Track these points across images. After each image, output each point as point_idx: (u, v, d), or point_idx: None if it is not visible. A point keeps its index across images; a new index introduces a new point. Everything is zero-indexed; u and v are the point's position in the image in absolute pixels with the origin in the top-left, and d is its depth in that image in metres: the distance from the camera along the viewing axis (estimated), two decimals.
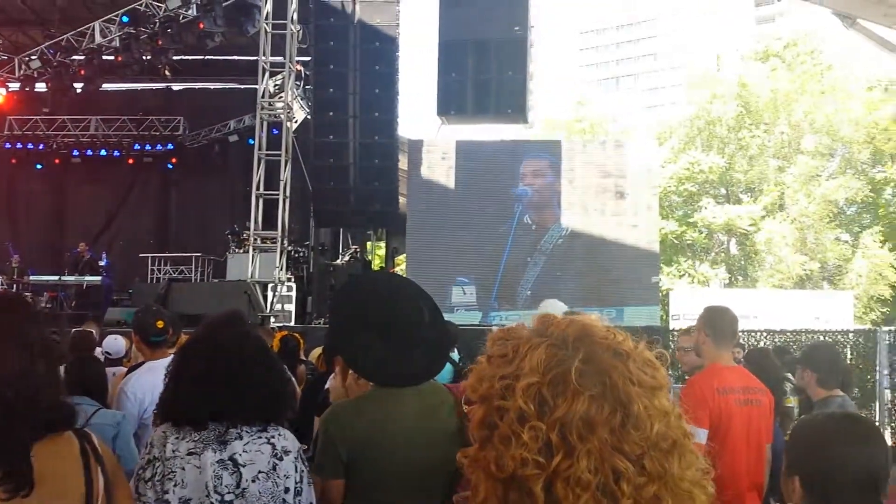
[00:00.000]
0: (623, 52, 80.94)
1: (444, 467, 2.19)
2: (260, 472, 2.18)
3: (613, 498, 0.93)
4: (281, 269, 12.51)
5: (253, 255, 12.38)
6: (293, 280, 13.34)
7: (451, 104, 13.53)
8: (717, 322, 3.56)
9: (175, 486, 2.11)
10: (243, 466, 2.16)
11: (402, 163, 15.04)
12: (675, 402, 1.01)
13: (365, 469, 2.25)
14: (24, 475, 1.45)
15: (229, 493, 2.13)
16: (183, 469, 2.12)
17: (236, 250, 14.28)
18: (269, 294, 12.27)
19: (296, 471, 2.23)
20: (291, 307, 12.77)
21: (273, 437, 2.24)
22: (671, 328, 11.52)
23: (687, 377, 4.34)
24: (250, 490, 2.15)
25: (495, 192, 14.40)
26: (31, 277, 14.91)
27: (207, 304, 12.32)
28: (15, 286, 14.48)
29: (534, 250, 14.12)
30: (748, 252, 31.18)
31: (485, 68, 13.28)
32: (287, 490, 2.20)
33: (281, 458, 2.22)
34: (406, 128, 14.64)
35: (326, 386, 4.40)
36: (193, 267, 16.00)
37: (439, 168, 14.64)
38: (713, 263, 31.81)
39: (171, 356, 2.50)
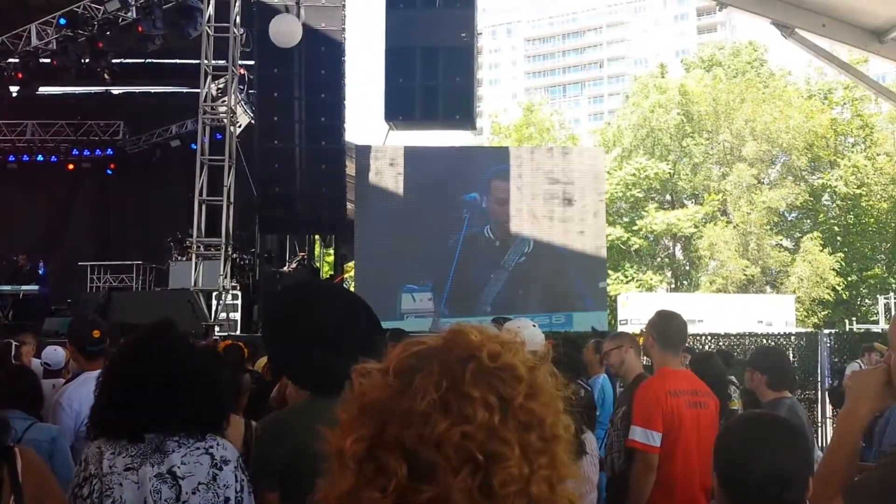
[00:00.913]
0: (569, 60, 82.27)
1: None
2: (200, 483, 2.16)
3: None
4: (225, 277, 12.28)
5: (196, 263, 12.11)
6: (238, 288, 13.10)
7: (399, 110, 13.48)
8: (664, 327, 3.62)
9: (113, 502, 2.08)
10: (182, 479, 2.14)
11: (350, 168, 14.92)
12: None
13: (298, 481, 2.18)
14: None
15: None
16: (121, 485, 2.09)
17: (179, 258, 13.95)
18: (214, 303, 12.03)
19: (236, 480, 2.23)
20: (237, 316, 12.56)
21: (211, 447, 2.22)
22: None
23: (620, 380, 4.47)
24: (191, 502, 2.13)
25: (444, 199, 14.41)
26: None
27: (149, 314, 11.99)
28: None
29: (496, 263, 14.15)
30: (692, 257, 31.91)
31: (432, 74, 13.27)
32: (227, 500, 2.18)
33: (220, 468, 2.21)
34: (354, 133, 14.55)
35: (272, 395, 4.33)
36: (135, 275, 15.65)
37: (387, 174, 14.57)
38: (658, 269, 32.46)
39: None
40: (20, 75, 15.82)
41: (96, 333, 3.78)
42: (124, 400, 2.18)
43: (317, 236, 17.92)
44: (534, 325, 3.39)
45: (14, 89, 16.23)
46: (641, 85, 35.45)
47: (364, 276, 14.16)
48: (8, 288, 14.55)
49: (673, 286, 32.43)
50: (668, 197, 33.23)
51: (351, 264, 16.92)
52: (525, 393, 0.93)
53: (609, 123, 38.74)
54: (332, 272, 15.38)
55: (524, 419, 0.92)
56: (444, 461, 0.88)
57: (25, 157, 18.42)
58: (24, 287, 14.52)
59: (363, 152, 14.89)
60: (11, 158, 18.44)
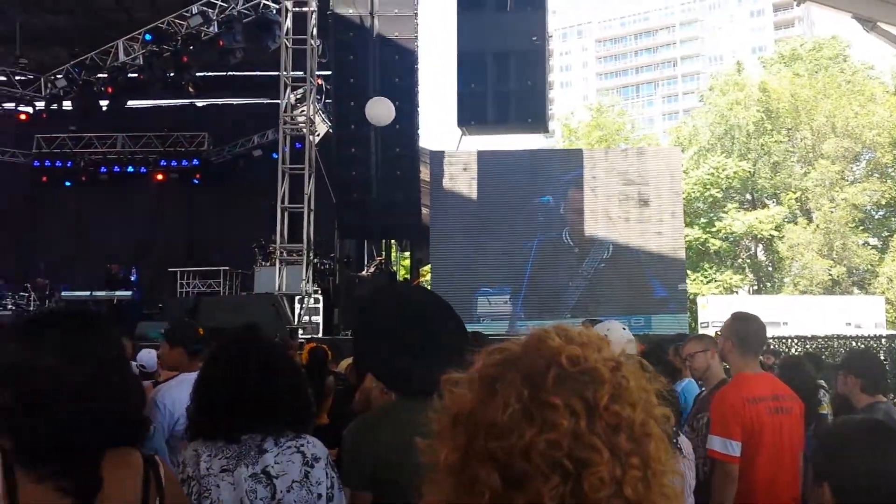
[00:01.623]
0: (641, 60, 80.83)
1: None
2: (293, 481, 2.20)
3: None
4: (307, 282, 12.62)
5: (280, 268, 12.49)
6: (320, 292, 13.42)
7: (471, 115, 13.57)
8: (742, 330, 3.47)
9: (211, 503, 2.14)
10: (276, 478, 2.18)
11: (424, 174, 15.12)
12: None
13: (389, 482, 2.24)
14: (92, 485, 1.46)
15: None
16: (218, 486, 2.15)
17: (263, 263, 14.41)
18: (297, 306, 12.36)
19: (327, 477, 2.26)
20: (319, 319, 12.86)
21: (302, 445, 2.27)
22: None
23: (701, 384, 4.27)
24: (285, 500, 2.18)
25: (518, 202, 14.42)
26: (63, 293, 15.15)
27: (236, 318, 12.44)
28: (46, 302, 14.74)
29: (573, 267, 14.07)
30: (774, 258, 30.90)
31: (504, 78, 13.31)
32: (320, 496, 2.23)
33: (312, 466, 2.24)
34: (427, 139, 14.72)
35: (356, 398, 4.45)
36: (221, 280, 16.16)
37: (461, 179, 14.69)
38: (738, 269, 31.54)
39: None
40: (110, 89, 16.43)
41: (200, 331, 4.01)
42: (220, 402, 2.25)
43: (393, 241, 18.19)
44: (623, 328, 3.35)
45: (104, 103, 16.98)
46: (718, 82, 34.56)
47: (440, 279, 14.30)
48: (103, 294, 15.25)
49: (755, 288, 31.46)
50: (747, 196, 32.27)
51: (427, 268, 17.13)
52: (609, 394, 0.92)
53: (685, 122, 37.91)
54: (409, 276, 15.57)
55: (612, 421, 0.91)
56: (534, 470, 0.88)
57: (116, 169, 19.25)
58: (117, 293, 15.21)
59: (437, 158, 15.05)
60: (103, 170, 19.32)
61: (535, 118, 13.46)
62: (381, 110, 12.49)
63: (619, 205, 14.26)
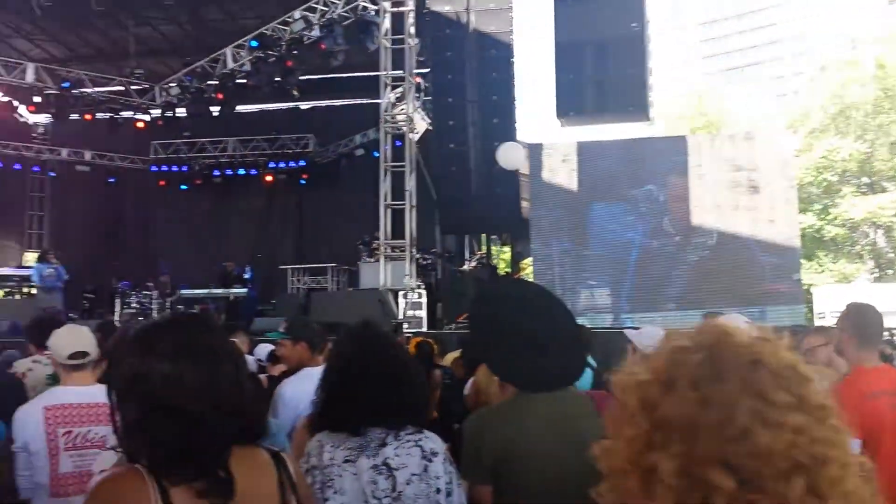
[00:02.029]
0: (745, 40, 77.43)
1: (589, 479, 2.21)
2: (413, 474, 2.24)
3: None
4: (411, 277, 12.86)
5: (384, 264, 12.79)
6: (423, 287, 13.65)
7: (570, 105, 13.42)
8: (860, 321, 3.31)
9: (335, 493, 2.20)
10: (396, 470, 2.23)
11: (523, 167, 15.08)
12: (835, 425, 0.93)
13: (507, 476, 2.25)
14: (226, 483, 1.48)
15: (386, 496, 2.20)
16: (341, 476, 2.21)
17: (368, 259, 14.78)
18: (401, 301, 12.62)
19: (445, 472, 2.29)
20: (422, 313, 13.06)
21: (420, 439, 2.31)
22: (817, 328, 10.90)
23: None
24: (406, 493, 2.21)
25: (620, 193, 14.15)
26: (183, 291, 15.99)
27: (345, 313, 12.80)
28: (167, 300, 15.61)
29: (677, 257, 13.73)
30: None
31: (603, 67, 13.09)
32: (439, 491, 2.26)
33: (430, 460, 2.27)
34: (525, 132, 14.68)
35: (466, 392, 4.52)
36: (329, 277, 16.65)
37: (561, 171, 14.54)
38: (857, 257, 29.82)
39: (324, 365, 2.59)
40: (220, 96, 17.09)
41: (318, 329, 4.21)
42: (346, 395, 2.31)
43: (493, 235, 18.24)
44: (746, 322, 3.26)
45: (215, 109, 17.76)
46: (830, 60, 32.72)
47: (541, 273, 14.23)
48: (220, 291, 16.01)
49: (877, 276, 29.68)
50: (864, 180, 30.42)
51: (527, 262, 17.08)
52: (812, 388, 0.94)
53: (795, 104, 36.11)
54: (509, 270, 15.58)
55: (821, 415, 0.93)
56: (773, 471, 0.88)
57: (228, 171, 20.20)
58: (233, 290, 15.94)
59: (535, 150, 14.97)
60: (216, 173, 20.31)
61: (636, 106, 13.18)
62: (514, 154, 12.69)
63: (727, 192, 13.76)
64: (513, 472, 2.24)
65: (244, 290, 15.78)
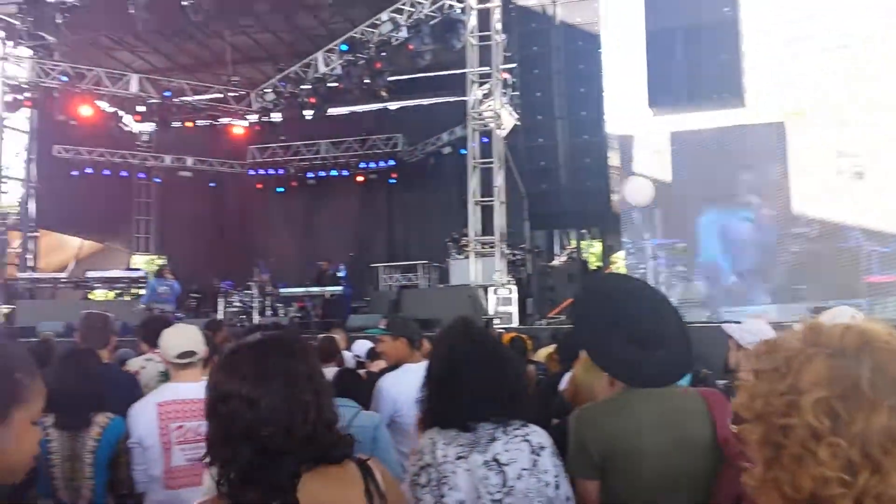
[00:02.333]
0: (843, 20, 73.30)
1: (697, 477, 2.18)
2: (522, 469, 2.26)
3: None
4: (501, 273, 12.88)
5: (474, 260, 12.87)
6: (513, 282, 13.64)
7: (662, 94, 13.11)
8: None
9: (451, 489, 2.23)
10: (506, 465, 2.25)
11: (613, 159, 14.84)
12: None
13: (615, 472, 2.25)
14: None
15: (497, 492, 2.22)
16: (455, 473, 2.24)
17: (457, 256, 14.90)
18: (491, 297, 12.66)
19: (553, 465, 2.30)
20: (513, 309, 13.07)
21: (527, 434, 2.32)
22: None
23: None
24: (517, 488, 2.23)
25: (715, 183, 13.74)
26: (281, 290, 16.56)
27: (436, 309, 12.95)
28: (266, 299, 16.18)
29: (774, 247, 13.24)
30: None
31: (695, 54, 12.75)
32: (547, 485, 2.27)
33: (538, 454, 2.29)
34: (614, 124, 14.42)
35: (561, 387, 4.51)
36: (420, 274, 16.87)
37: (652, 162, 14.26)
38: None
39: (425, 361, 2.63)
40: (313, 100, 17.60)
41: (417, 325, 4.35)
42: (452, 392, 2.33)
43: (583, 229, 18.02)
44: (853, 316, 3.13)
45: (308, 113, 18.24)
46: None
47: (634, 267, 13.97)
48: (317, 290, 16.51)
49: None
50: None
51: (617, 255, 16.81)
52: None
53: None
54: (600, 264, 15.36)
55: None
56: None
57: (321, 173, 20.78)
58: (329, 288, 16.39)
59: (626, 142, 14.73)
60: (310, 175, 20.92)
61: (731, 93, 12.78)
62: (641, 189, 12.63)
63: (829, 179, 13.15)
64: (618, 468, 2.24)
65: (339, 288, 16.17)
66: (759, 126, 14.04)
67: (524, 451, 2.28)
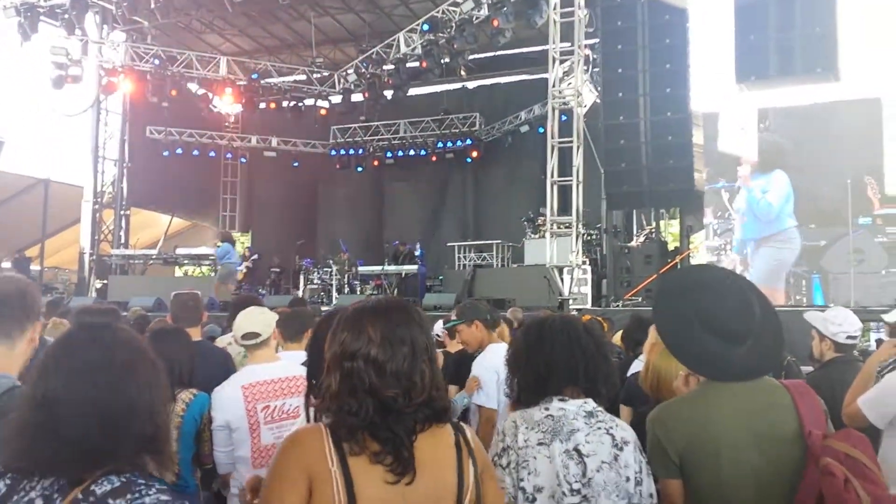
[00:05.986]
0: None
1: (782, 473, 2.11)
2: (603, 462, 2.25)
3: None
4: (577, 253, 12.73)
5: (549, 240, 12.75)
6: (588, 263, 13.47)
7: (752, 69, 12.56)
8: None
9: (529, 474, 2.24)
10: (587, 457, 2.24)
11: (697, 137, 14.38)
12: None
13: (694, 470, 2.19)
14: (408, 461, 1.64)
15: (577, 482, 2.22)
16: (535, 458, 2.24)
17: (532, 236, 14.81)
18: (566, 277, 12.53)
19: (635, 461, 2.28)
20: (587, 290, 12.92)
21: (611, 427, 2.31)
22: None
23: None
24: (595, 480, 2.23)
25: (809, 162, 13.17)
26: (360, 268, 16.85)
27: (510, 289, 12.94)
28: (346, 277, 16.50)
29: (865, 232, 12.62)
30: None
31: (788, 26, 12.14)
32: (628, 480, 2.26)
33: (621, 449, 2.28)
34: (699, 101, 13.96)
35: (632, 372, 4.44)
36: (494, 253, 16.88)
37: (739, 140, 13.78)
38: None
39: (507, 344, 2.67)
40: (392, 80, 17.64)
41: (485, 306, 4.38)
42: (537, 378, 2.35)
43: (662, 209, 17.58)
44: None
45: (388, 93, 18.39)
46: None
47: (717, 248, 13.61)
48: (393, 268, 16.73)
49: None
50: None
51: (696, 235, 16.33)
52: None
53: None
54: (678, 245, 14.94)
55: None
56: None
57: (400, 153, 20.95)
58: (405, 267, 16.58)
59: (711, 119, 14.26)
60: (389, 155, 21.14)
61: (825, 67, 12.12)
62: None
63: None
64: (697, 465, 2.19)
65: (414, 266, 16.33)
66: (853, 101, 13.33)
67: (606, 444, 2.27)
